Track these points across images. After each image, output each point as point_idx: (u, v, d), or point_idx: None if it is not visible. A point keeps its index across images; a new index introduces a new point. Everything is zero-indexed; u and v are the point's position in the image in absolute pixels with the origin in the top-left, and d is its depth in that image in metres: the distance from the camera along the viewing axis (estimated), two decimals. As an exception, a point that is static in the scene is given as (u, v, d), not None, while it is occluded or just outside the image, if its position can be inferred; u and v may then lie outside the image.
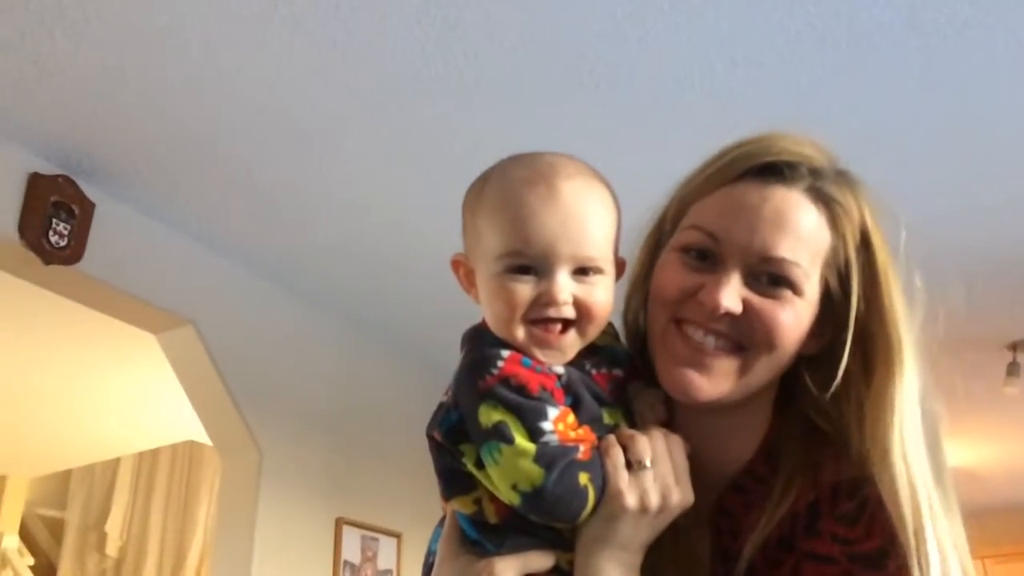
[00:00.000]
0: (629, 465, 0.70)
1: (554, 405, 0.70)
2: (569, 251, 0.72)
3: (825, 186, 0.77)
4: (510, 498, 0.70)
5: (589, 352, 0.76)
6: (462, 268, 0.83)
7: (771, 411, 0.80)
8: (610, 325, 0.79)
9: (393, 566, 3.45)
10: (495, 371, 0.71)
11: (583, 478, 0.68)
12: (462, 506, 0.76)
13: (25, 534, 5.33)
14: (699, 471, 0.74)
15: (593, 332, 0.75)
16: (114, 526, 5.36)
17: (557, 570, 0.72)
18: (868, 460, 0.70)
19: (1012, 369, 3.92)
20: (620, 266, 0.79)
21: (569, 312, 0.73)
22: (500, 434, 0.69)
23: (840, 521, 0.69)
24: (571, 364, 0.74)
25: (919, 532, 0.65)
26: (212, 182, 2.67)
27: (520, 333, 0.73)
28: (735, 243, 0.74)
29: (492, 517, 0.73)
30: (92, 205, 2.58)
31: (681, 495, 0.71)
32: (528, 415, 0.69)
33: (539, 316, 0.73)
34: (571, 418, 0.71)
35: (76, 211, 2.52)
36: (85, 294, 2.70)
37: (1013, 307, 3.70)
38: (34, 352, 3.65)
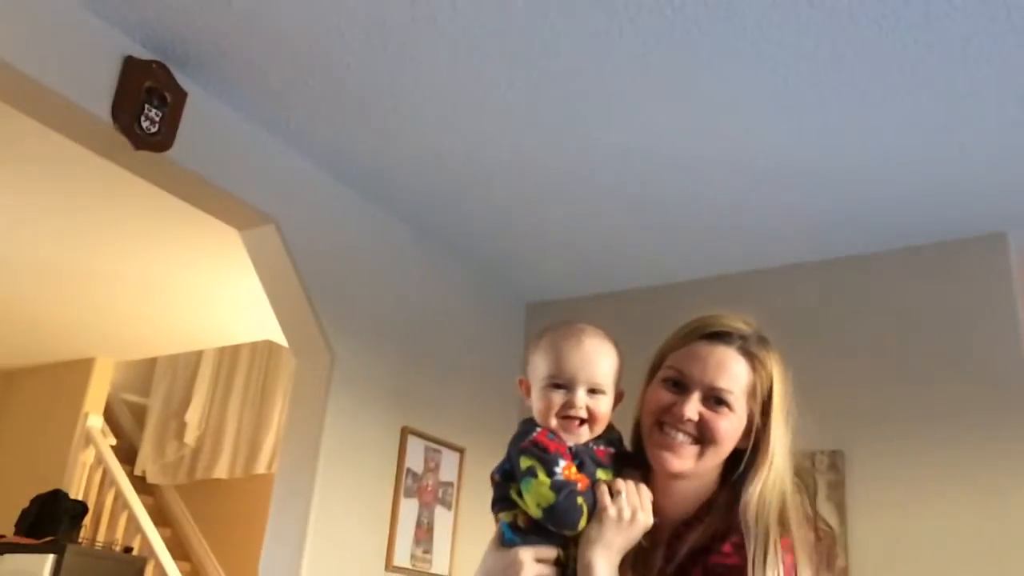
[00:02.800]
0: (613, 494, 1.15)
1: (563, 459, 1.16)
2: (585, 378, 1.21)
3: (750, 346, 1.25)
4: (535, 513, 1.14)
5: (597, 438, 1.23)
6: (524, 384, 1.27)
7: (717, 482, 1.24)
8: (611, 425, 1.25)
9: (454, 479, 3.49)
10: (531, 438, 1.18)
11: (580, 500, 1.13)
12: (506, 517, 1.20)
13: (109, 416, 5.59)
14: (665, 514, 1.19)
15: (598, 428, 1.22)
16: (193, 416, 5.58)
17: (559, 563, 1.15)
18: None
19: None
20: (619, 393, 1.26)
21: (583, 414, 1.20)
22: (531, 472, 1.14)
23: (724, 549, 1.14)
24: (582, 444, 1.21)
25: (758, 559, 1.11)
26: (305, 83, 2.64)
27: (552, 423, 1.21)
28: (695, 378, 1.22)
29: (523, 524, 1.17)
30: (184, 94, 2.59)
31: (645, 517, 1.15)
32: (547, 463, 1.15)
33: (565, 414, 1.20)
34: (573, 469, 1.16)
35: (168, 99, 2.53)
36: (173, 182, 2.73)
37: None
38: (124, 239, 3.74)
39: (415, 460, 3.31)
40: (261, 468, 5.28)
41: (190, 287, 4.17)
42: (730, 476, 1.22)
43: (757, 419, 1.22)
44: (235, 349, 5.57)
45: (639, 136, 2.77)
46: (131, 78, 2.45)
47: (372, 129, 2.85)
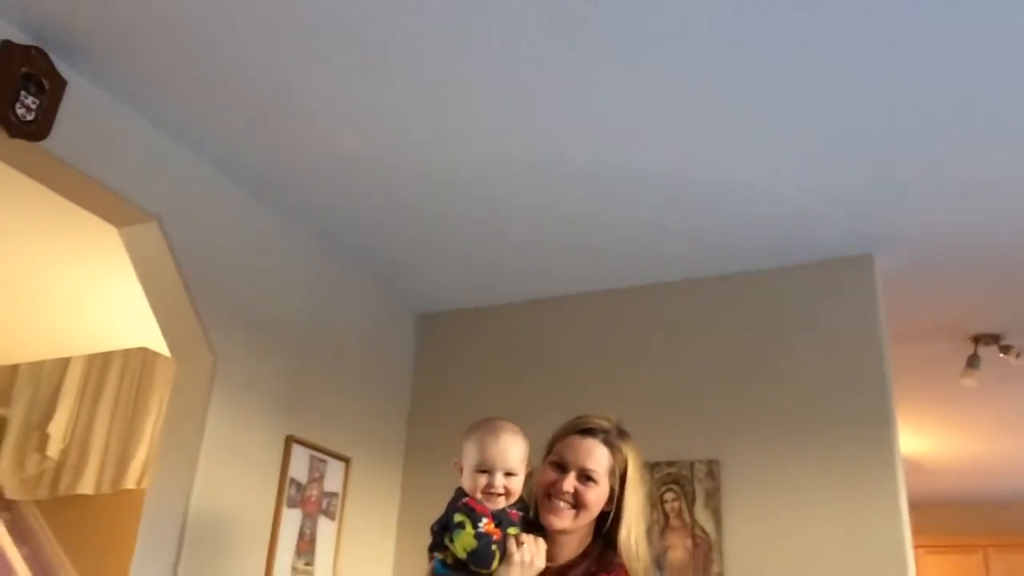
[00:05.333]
0: (518, 544, 1.62)
1: (486, 518, 1.62)
2: (502, 465, 1.68)
3: (610, 438, 1.78)
4: (462, 555, 1.60)
5: (513, 504, 1.68)
6: (458, 465, 1.74)
7: (591, 535, 1.75)
8: (522, 496, 1.72)
9: (339, 489, 3.43)
10: (464, 501, 1.65)
11: (494, 547, 1.60)
12: (440, 555, 1.65)
13: (-36, 427, 5.23)
14: (554, 560, 1.68)
15: (512, 499, 1.68)
16: (58, 428, 5.26)
17: None
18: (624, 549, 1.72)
19: (972, 361, 3.97)
20: (528, 473, 1.72)
21: (501, 491, 1.67)
22: (461, 525, 1.61)
23: None
24: (500, 509, 1.66)
25: None
26: (196, 77, 2.57)
27: (479, 495, 1.66)
28: (571, 462, 1.73)
29: (451, 563, 1.63)
30: (64, 82, 2.47)
31: (540, 561, 1.63)
32: (474, 520, 1.61)
33: (488, 492, 1.67)
34: (492, 525, 1.62)
35: (47, 86, 2.41)
36: (48, 174, 2.59)
37: (978, 299, 3.73)
38: (-10, 235, 3.53)
39: (299, 470, 3.24)
40: (130, 483, 5.02)
41: (62, 288, 3.97)
42: (599, 531, 1.74)
43: (616, 489, 1.74)
44: (106, 357, 5.30)
45: (539, 149, 2.81)
46: (8, 63, 2.32)
47: (265, 127, 2.79)
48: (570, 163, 2.87)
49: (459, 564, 1.60)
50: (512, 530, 1.63)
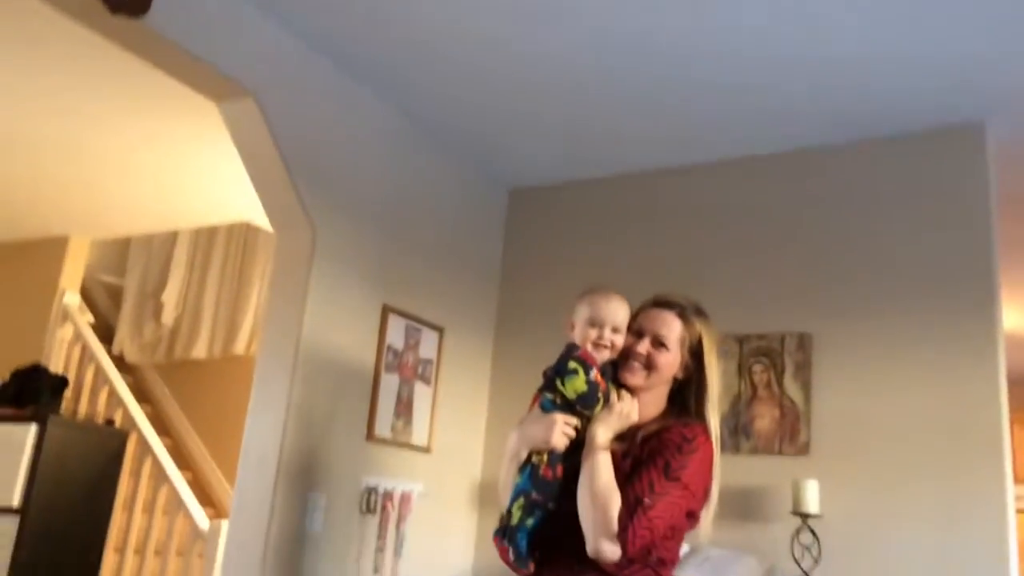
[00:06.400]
0: (619, 397, 1.85)
1: (595, 368, 1.83)
2: (611, 320, 1.89)
3: (685, 312, 1.93)
4: (571, 396, 1.81)
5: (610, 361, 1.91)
6: (570, 323, 1.93)
7: (665, 403, 1.94)
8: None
9: (434, 356, 3.57)
10: (580, 351, 1.85)
11: (600, 395, 1.81)
12: (549, 395, 1.85)
13: (86, 297, 5.59)
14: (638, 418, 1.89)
15: (615, 353, 1.89)
16: (170, 297, 5.59)
17: (576, 430, 1.82)
18: (699, 416, 1.91)
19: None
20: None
21: (608, 343, 1.88)
22: (575, 372, 1.81)
23: (668, 442, 1.81)
24: (604, 363, 1.88)
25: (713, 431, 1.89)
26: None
27: (589, 346, 1.87)
28: (646, 329, 1.91)
29: (559, 402, 1.84)
30: (160, -43, 2.50)
31: (634, 415, 1.85)
32: (586, 367, 1.81)
33: (597, 343, 1.88)
34: (600, 376, 1.83)
35: (143, -38, 2.44)
36: (149, 50, 2.66)
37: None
38: (99, 113, 3.67)
39: (396, 337, 3.38)
40: (240, 349, 5.34)
41: (166, 164, 4.12)
42: (675, 401, 1.94)
43: (690, 361, 1.92)
44: (211, 231, 5.55)
45: (627, 19, 2.73)
46: (104, -61, 2.36)
47: (360, 7, 2.79)
48: (659, 30, 2.78)
49: (566, 404, 1.82)
50: (612, 385, 1.87)
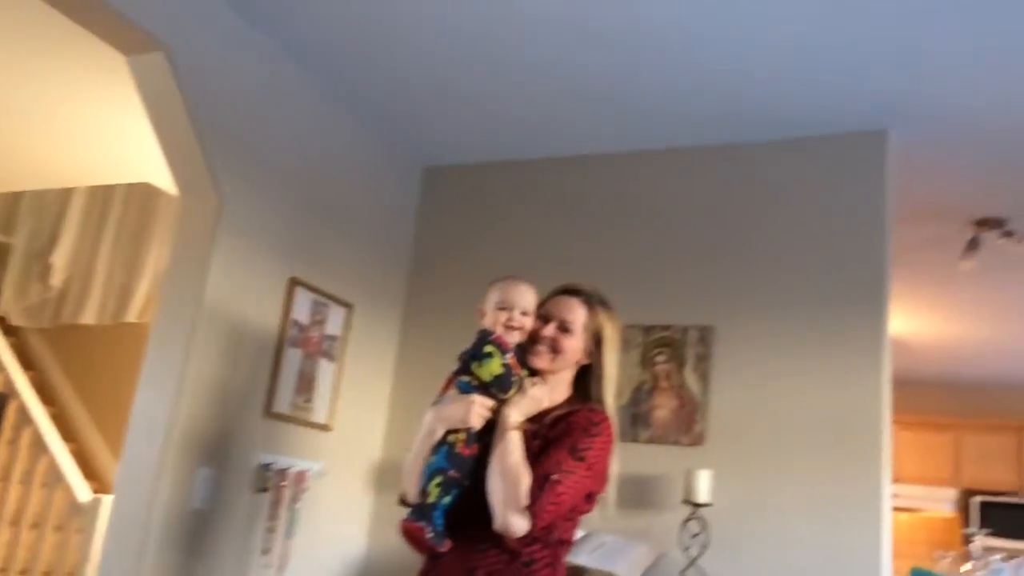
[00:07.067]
0: (533, 383, 1.95)
1: (510, 352, 1.92)
2: (520, 303, 1.99)
3: (590, 300, 2.04)
4: (487, 378, 1.90)
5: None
6: (480, 311, 2.02)
7: (571, 384, 2.04)
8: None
9: (340, 332, 3.51)
10: (495, 336, 1.94)
11: (514, 379, 1.90)
12: (465, 379, 1.92)
13: (-33, 252, 5.28)
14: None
15: (523, 337, 2.00)
16: (60, 258, 5.32)
17: (491, 412, 1.88)
18: (599, 402, 2.02)
19: (972, 245, 3.99)
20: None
21: (519, 324, 1.98)
22: (490, 355, 1.89)
23: (576, 424, 1.91)
24: (515, 348, 1.96)
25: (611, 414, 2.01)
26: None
27: (500, 330, 1.96)
28: (553, 314, 2.02)
29: (476, 384, 1.91)
30: None
31: (546, 401, 1.95)
32: (502, 351, 1.90)
33: (508, 324, 1.97)
34: (515, 361, 1.92)
35: (51, -101, 2.31)
36: (54, -5, 2.52)
37: (987, 183, 3.72)
38: (-6, 58, 3.45)
39: (302, 312, 3.31)
40: (132, 316, 5.12)
41: (66, 118, 3.92)
42: (578, 387, 2.03)
43: (592, 345, 2.01)
44: (109, 189, 5.29)
45: (557, 4, 2.72)
46: None
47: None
48: (583, 17, 2.79)
49: (482, 387, 1.90)
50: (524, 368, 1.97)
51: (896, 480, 3.61)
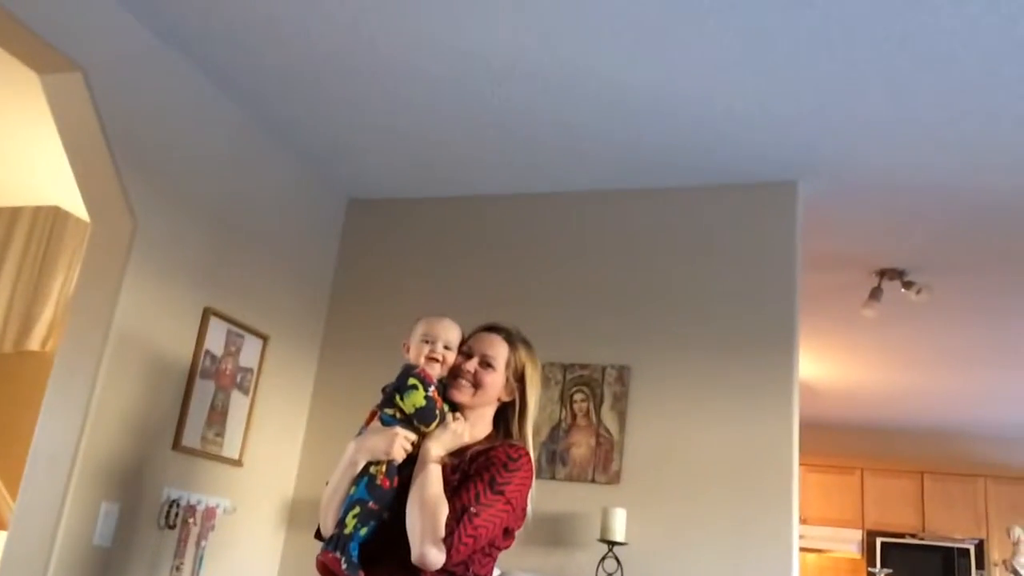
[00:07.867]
0: (455, 418, 1.98)
1: (433, 386, 1.95)
2: (443, 337, 2.04)
3: (512, 338, 2.09)
4: (410, 410, 1.92)
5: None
6: (406, 345, 2.06)
7: (491, 420, 2.07)
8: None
9: (255, 365, 3.43)
10: (419, 369, 1.97)
11: (437, 412, 1.94)
12: (389, 411, 1.95)
13: None
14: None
15: (445, 370, 2.03)
16: (-43, 281, 5.07)
17: (413, 445, 1.91)
18: (520, 438, 2.04)
19: (875, 294, 4.16)
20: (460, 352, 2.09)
21: (440, 357, 2.02)
22: (414, 387, 1.93)
23: (495, 459, 1.91)
24: (438, 383, 2.00)
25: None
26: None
27: (422, 361, 2.00)
28: (475, 349, 2.05)
29: (398, 417, 1.93)
30: (-13, -90, 2.30)
31: (467, 436, 1.98)
32: (425, 384, 1.94)
33: (430, 356, 2.01)
34: (438, 395, 1.96)
35: (-32, -89, 2.24)
36: (-34, 9, 2.43)
37: (888, 235, 3.90)
38: None
39: (215, 343, 3.23)
40: (34, 345, 4.91)
41: (-30, 135, 3.76)
42: (498, 424, 2.06)
43: (513, 382, 2.05)
44: (14, 212, 5.08)
45: (484, 43, 2.76)
46: None
47: (206, -6, 2.67)
48: (513, 57, 2.84)
49: (405, 420, 1.92)
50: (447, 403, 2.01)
51: (803, 521, 3.71)
